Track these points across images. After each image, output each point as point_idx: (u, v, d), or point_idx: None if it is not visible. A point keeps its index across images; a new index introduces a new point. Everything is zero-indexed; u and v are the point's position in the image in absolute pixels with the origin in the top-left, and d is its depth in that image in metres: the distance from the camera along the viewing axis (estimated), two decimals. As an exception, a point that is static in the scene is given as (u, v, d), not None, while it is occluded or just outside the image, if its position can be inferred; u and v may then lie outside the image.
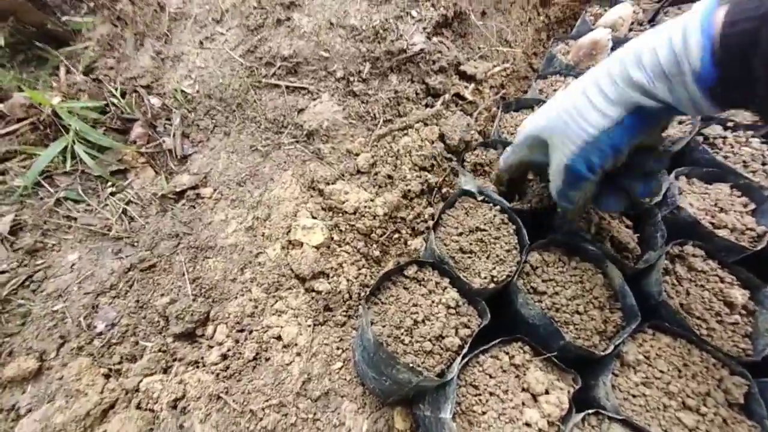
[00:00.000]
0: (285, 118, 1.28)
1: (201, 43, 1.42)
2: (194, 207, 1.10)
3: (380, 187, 1.07)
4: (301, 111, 1.29)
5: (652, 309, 0.65)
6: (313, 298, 0.91)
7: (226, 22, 1.43)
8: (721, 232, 0.72)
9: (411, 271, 0.65)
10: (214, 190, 1.16)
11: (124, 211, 1.06)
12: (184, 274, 0.97)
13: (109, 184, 1.11)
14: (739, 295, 0.64)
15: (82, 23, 1.40)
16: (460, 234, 0.70)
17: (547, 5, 1.58)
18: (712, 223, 0.75)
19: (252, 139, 1.28)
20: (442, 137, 1.10)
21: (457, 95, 1.19)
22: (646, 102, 0.46)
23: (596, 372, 0.59)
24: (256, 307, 0.90)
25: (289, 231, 1.01)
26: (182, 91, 1.30)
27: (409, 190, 1.02)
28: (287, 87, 1.32)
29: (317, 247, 0.96)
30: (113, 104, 1.24)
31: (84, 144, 1.13)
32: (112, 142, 1.16)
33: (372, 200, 1.01)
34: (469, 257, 0.67)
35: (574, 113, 0.51)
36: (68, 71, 1.31)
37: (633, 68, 0.45)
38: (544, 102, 0.94)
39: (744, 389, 0.54)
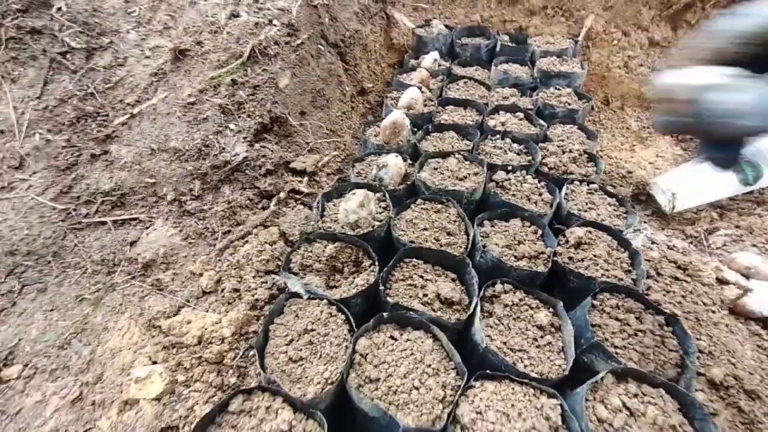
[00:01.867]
0: (116, 255, 1.16)
1: (-3, 195, 1.26)
2: (-7, 398, 0.88)
3: (229, 303, 1.01)
4: (133, 243, 1.19)
5: (481, 357, 0.69)
6: (160, 464, 0.76)
7: (28, 167, 1.30)
8: (521, 263, 0.83)
9: (235, 404, 0.59)
10: (25, 366, 0.96)
11: None
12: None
13: None
14: (544, 316, 0.73)
15: None
16: (290, 342, 0.68)
17: (364, 94, 1.81)
18: (514, 256, 0.86)
19: (77, 289, 1.12)
20: (283, 235, 1.10)
21: (294, 191, 1.23)
22: None
23: (442, 445, 0.58)
24: None
25: (123, 390, 0.86)
26: (-30, 256, 1.11)
27: (257, 300, 0.97)
28: (114, 221, 1.22)
29: (158, 398, 0.83)
30: None
31: None
32: None
33: (218, 322, 0.94)
34: (300, 365, 0.65)
35: None
36: None
37: None
38: (360, 186, 1.02)
39: (558, 410, 0.58)
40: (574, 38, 1.71)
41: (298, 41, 1.38)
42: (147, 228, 1.21)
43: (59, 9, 1.40)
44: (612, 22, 1.70)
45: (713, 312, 1.10)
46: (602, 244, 0.90)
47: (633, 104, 1.75)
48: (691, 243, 1.33)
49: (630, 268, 0.87)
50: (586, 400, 0.60)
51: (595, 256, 0.85)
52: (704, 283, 1.16)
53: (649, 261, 1.24)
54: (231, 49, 1.34)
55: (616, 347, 0.70)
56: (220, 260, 1.11)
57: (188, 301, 1.05)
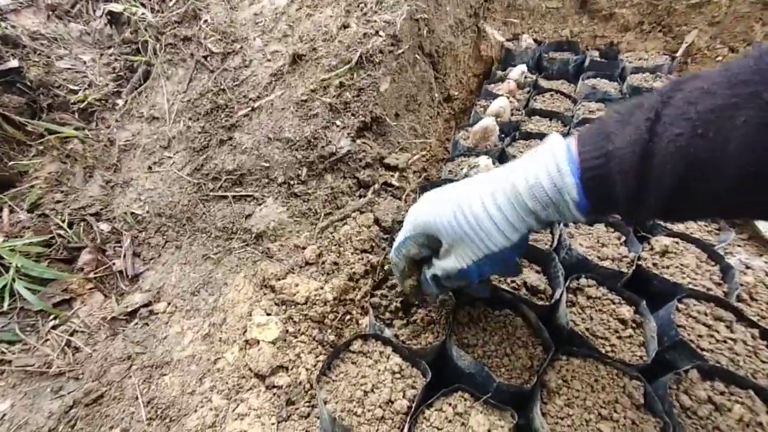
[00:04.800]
0: (234, 225, 1.38)
1: (150, 168, 1.55)
2: (147, 324, 1.11)
3: (328, 274, 1.16)
4: (248, 216, 1.40)
5: (565, 338, 0.76)
6: (274, 394, 0.92)
7: (173, 147, 1.58)
8: (605, 263, 0.89)
9: (356, 345, 0.72)
10: (168, 303, 1.18)
11: (68, 343, 1.04)
12: (137, 398, 0.95)
13: (51, 317, 1.10)
14: (626, 311, 0.78)
15: (30, 165, 1.47)
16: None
17: (450, 101, 1.92)
18: (598, 257, 0.91)
19: (203, 249, 1.35)
20: (377, 221, 1.24)
21: (386, 183, 1.38)
22: (537, 225, 0.55)
23: (530, 404, 0.67)
24: (217, 415, 0.89)
25: (245, 331, 1.04)
26: (132, 213, 1.38)
27: (354, 273, 1.12)
28: (234, 196, 1.44)
29: (273, 342, 1.00)
30: (59, 236, 1.28)
31: (25, 280, 1.13)
32: (56, 273, 1.17)
33: (321, 288, 1.10)
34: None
35: (478, 230, 0.56)
36: (12, 211, 1.35)
37: (528, 199, 0.53)
38: (453, 180, 1.13)
39: (641, 390, 0.64)
40: (671, 54, 1.68)
41: (400, 51, 1.53)
42: (260, 204, 1.43)
43: (205, 21, 1.69)
44: (718, 38, 1.64)
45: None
46: (690, 255, 0.92)
47: (732, 125, 1.67)
48: (791, 272, 1.25)
49: (721, 282, 0.88)
50: (670, 388, 0.65)
51: (682, 265, 0.88)
52: (804, 313, 1.10)
53: (742, 285, 1.20)
54: (341, 55, 1.53)
55: (702, 349, 0.73)
56: (321, 237, 1.28)
57: (293, 269, 1.23)
